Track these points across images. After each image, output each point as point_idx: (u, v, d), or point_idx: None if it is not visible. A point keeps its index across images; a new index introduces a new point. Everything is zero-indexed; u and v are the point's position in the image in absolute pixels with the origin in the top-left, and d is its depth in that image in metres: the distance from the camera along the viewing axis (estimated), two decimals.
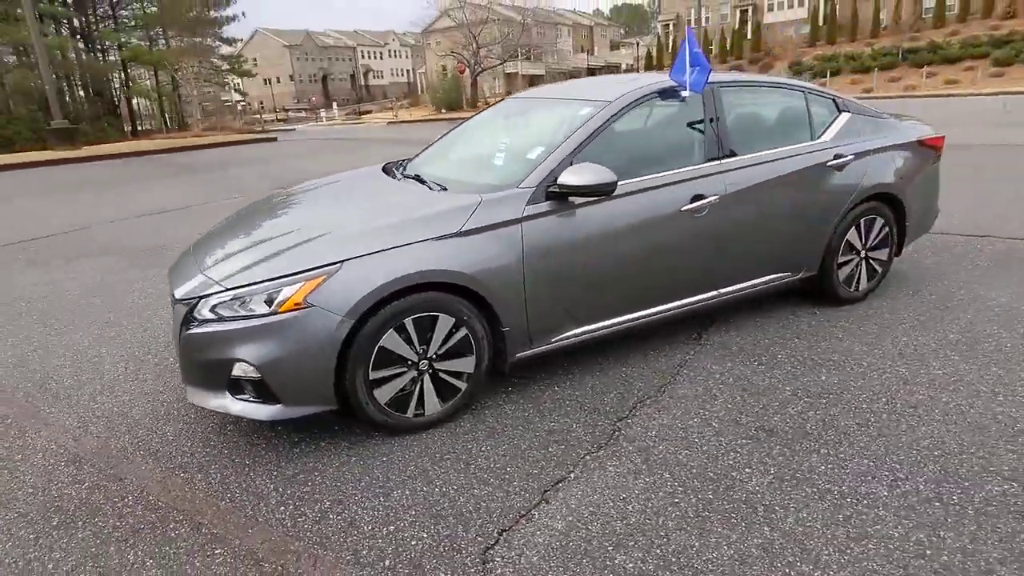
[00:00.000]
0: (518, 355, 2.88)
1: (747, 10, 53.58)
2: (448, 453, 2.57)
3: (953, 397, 2.80)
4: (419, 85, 66.32)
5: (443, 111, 38.50)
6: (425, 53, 64.70)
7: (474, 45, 41.00)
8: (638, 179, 2.99)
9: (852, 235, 3.70)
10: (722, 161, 3.22)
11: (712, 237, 3.20)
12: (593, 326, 3.04)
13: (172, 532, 2.19)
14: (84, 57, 27.58)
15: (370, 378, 2.52)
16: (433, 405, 2.71)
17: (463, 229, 2.64)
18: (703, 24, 53.09)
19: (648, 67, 58.05)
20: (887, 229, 3.83)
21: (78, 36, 28.47)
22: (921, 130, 4.01)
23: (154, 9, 28.99)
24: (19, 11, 24.29)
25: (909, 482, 2.26)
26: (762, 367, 3.16)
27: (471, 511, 2.22)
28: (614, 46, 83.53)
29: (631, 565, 1.94)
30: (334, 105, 50.49)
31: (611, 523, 2.13)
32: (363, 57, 77.24)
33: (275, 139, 23.43)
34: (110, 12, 30.84)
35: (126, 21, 31.06)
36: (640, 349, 3.40)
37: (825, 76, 37.27)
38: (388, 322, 2.50)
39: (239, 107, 51.46)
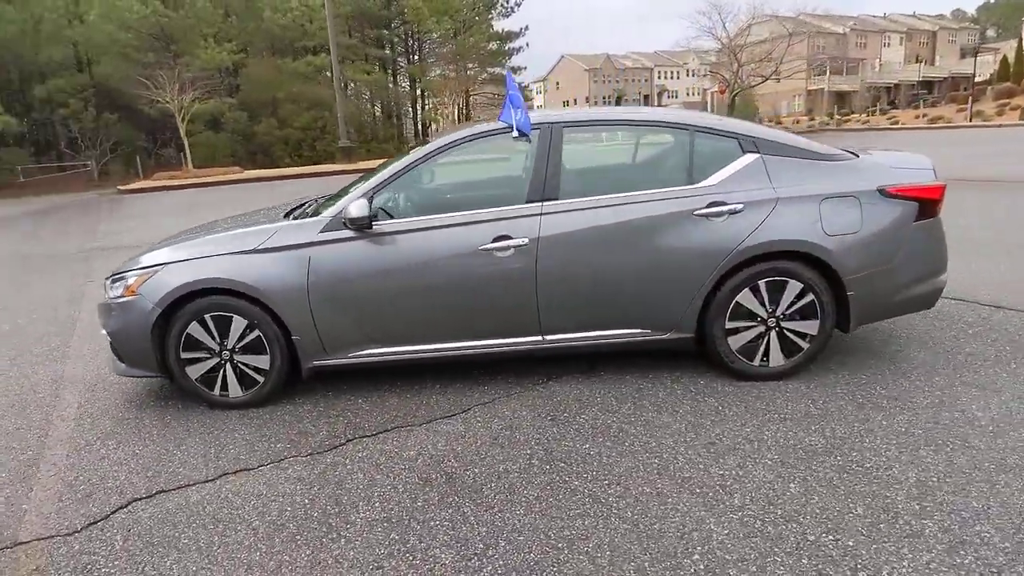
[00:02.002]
0: (314, 363, 3.28)
1: None
2: (217, 430, 3.13)
3: (682, 499, 2.33)
4: (709, 105, 64.71)
5: None
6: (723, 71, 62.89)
7: (736, 64, 38.39)
8: (433, 216, 3.12)
9: (747, 298, 3.11)
10: (544, 204, 3.09)
11: (523, 281, 3.10)
12: (393, 349, 3.25)
13: (25, 439, 3.19)
14: (398, 88, 34.68)
15: (181, 357, 3.23)
16: (236, 390, 3.30)
17: (258, 247, 3.17)
18: None
19: (1002, 78, 46.91)
20: (811, 297, 3.09)
21: (397, 73, 35.98)
22: (893, 176, 3.10)
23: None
24: (367, 54, 31.27)
25: (495, 563, 2.09)
26: (550, 425, 2.97)
27: (158, 474, 2.75)
28: (965, 53, 69.24)
29: (187, 543, 2.29)
30: None
31: (223, 508, 2.47)
32: (659, 77, 78.23)
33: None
34: (419, 52, 37.98)
35: (430, 59, 37.82)
36: (477, 382, 3.44)
37: None
38: (193, 315, 3.18)
39: None
